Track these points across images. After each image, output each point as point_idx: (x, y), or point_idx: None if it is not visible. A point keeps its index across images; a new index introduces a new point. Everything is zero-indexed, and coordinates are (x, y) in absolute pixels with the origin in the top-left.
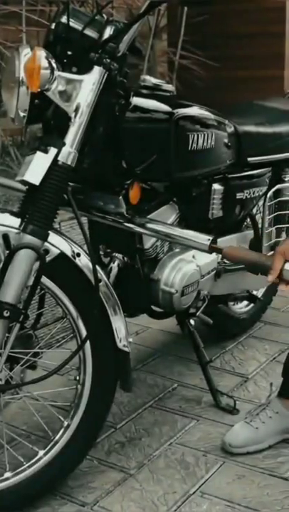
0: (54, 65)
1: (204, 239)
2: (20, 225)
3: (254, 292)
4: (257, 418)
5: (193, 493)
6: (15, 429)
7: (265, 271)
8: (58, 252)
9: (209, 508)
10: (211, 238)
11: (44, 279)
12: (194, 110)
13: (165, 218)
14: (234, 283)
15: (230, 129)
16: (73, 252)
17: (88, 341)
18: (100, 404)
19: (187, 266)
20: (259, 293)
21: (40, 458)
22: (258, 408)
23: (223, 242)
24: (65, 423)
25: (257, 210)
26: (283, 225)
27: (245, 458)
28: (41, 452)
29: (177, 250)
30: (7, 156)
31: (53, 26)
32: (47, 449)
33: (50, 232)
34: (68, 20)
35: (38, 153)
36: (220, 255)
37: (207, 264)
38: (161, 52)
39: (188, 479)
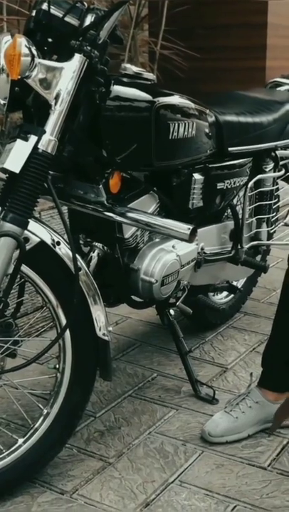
0: (34, 52)
1: (184, 228)
2: (0, 213)
3: (234, 283)
4: (237, 408)
5: (172, 481)
6: None
7: None
8: (38, 240)
9: (188, 496)
10: (191, 227)
11: (24, 268)
12: (175, 99)
13: (145, 208)
14: (214, 273)
15: (212, 119)
16: (53, 240)
17: (68, 330)
18: (80, 392)
19: (167, 256)
20: (239, 284)
21: (20, 446)
22: (238, 398)
23: (203, 232)
24: (45, 411)
25: (237, 201)
26: (264, 216)
27: (225, 447)
28: (21, 440)
29: (157, 240)
30: None
31: (33, 13)
32: (26, 436)
33: (30, 220)
34: (49, 7)
35: (18, 141)
36: (201, 245)
37: (187, 254)
38: (142, 42)
39: (167, 468)
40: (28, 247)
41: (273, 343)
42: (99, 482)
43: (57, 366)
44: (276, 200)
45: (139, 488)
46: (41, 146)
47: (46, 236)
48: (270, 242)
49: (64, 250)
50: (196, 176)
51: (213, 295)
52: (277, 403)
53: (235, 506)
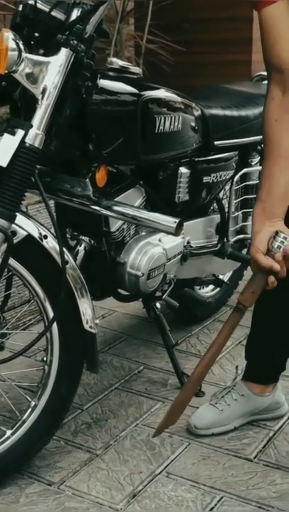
0: (22, 46)
1: (170, 221)
2: None
3: (220, 276)
4: (222, 400)
5: (159, 473)
6: None
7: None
8: (26, 233)
9: (175, 488)
10: (177, 221)
11: (11, 261)
12: (161, 93)
13: (132, 201)
14: (200, 267)
15: (197, 113)
16: (40, 234)
17: (55, 323)
18: (67, 384)
19: (153, 249)
20: (225, 277)
21: (8, 437)
22: (224, 391)
23: (189, 225)
24: (33, 403)
25: (224, 194)
26: (250, 209)
27: (211, 439)
28: (8, 432)
29: (143, 233)
30: None
31: (20, 8)
32: (14, 428)
33: (17, 214)
34: (35, 2)
35: (5, 135)
36: (187, 238)
37: (173, 248)
38: (128, 36)
39: (154, 460)
40: (15, 240)
41: (254, 336)
42: (86, 473)
43: (44, 359)
44: None
45: (126, 479)
46: (28, 140)
47: (33, 230)
48: None
49: (51, 244)
50: (182, 169)
51: (200, 288)
52: (262, 395)
53: (221, 497)
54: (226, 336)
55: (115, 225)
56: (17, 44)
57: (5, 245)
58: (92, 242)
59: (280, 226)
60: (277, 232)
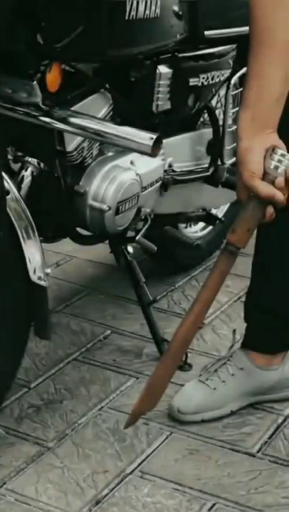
0: None
1: (146, 137)
2: None
3: (213, 211)
4: (215, 376)
5: (131, 472)
6: None
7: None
8: None
9: (151, 491)
10: (154, 137)
11: None
12: None
13: (94, 111)
14: (187, 198)
15: None
16: None
17: None
18: (8, 355)
19: (123, 175)
20: (219, 212)
21: None
22: (217, 363)
23: (171, 143)
24: None
25: (217, 102)
26: None
27: (200, 427)
28: None
29: (110, 154)
30: None
31: None
32: None
33: None
34: None
35: None
36: (168, 160)
37: (150, 173)
38: None
39: (124, 455)
40: None
41: (256, 289)
42: (34, 473)
43: None
44: None
45: (87, 480)
46: None
47: None
48: None
49: None
50: (162, 68)
51: (186, 227)
52: (268, 369)
53: (213, 504)
54: (215, 287)
55: (72, 143)
56: None
57: None
58: (42, 165)
59: (275, 140)
60: (273, 149)
